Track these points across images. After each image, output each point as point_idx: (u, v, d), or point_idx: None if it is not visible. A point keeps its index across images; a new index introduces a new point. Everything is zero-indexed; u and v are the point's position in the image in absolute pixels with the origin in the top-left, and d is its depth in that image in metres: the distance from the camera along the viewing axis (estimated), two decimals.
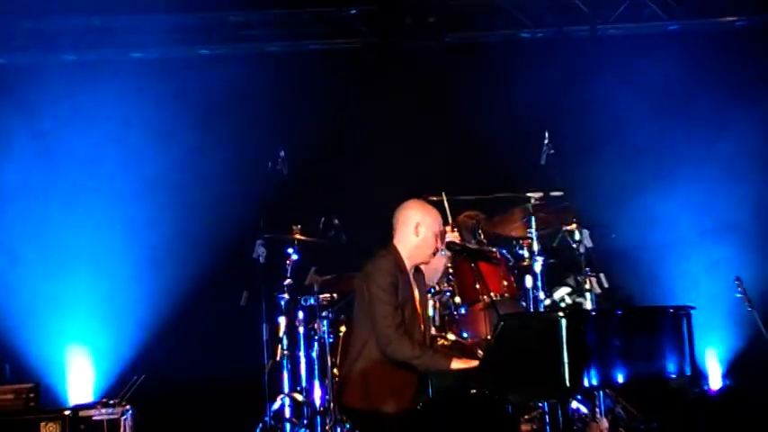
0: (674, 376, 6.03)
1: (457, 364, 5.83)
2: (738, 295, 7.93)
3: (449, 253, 6.45)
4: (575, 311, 6.33)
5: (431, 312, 7.05)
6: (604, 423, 7.08)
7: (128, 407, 7.70)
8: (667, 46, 9.42)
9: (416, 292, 6.09)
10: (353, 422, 6.27)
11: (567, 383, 5.66)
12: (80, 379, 8.87)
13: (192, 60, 9.49)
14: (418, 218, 6.06)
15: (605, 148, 8.97)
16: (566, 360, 5.66)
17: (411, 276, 6.09)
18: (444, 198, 7.27)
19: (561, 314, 5.88)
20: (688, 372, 6.09)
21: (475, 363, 5.87)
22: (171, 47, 9.46)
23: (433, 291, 7.15)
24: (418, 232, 6.04)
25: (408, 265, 6.08)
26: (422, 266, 6.23)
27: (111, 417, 7.51)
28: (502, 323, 5.94)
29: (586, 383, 5.73)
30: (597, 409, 7.19)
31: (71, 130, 9.00)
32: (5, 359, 7.60)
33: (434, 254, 6.14)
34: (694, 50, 9.27)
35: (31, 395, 6.71)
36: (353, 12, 9.52)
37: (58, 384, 8.68)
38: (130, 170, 9.10)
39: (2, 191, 8.87)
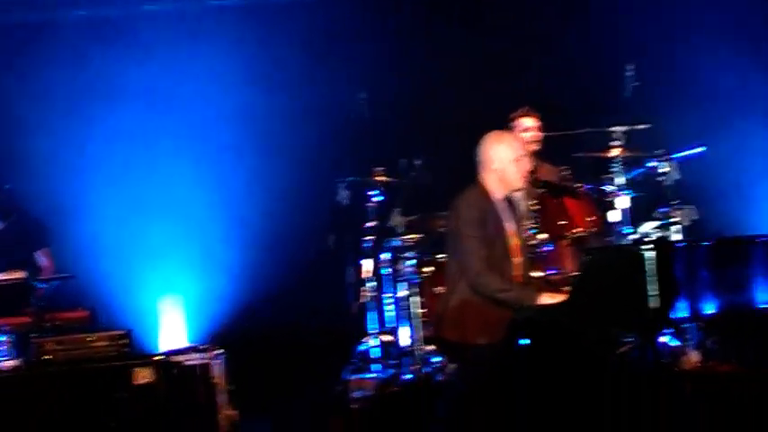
0: (765, 306, 5.94)
1: (545, 299, 5.85)
2: None
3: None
4: (660, 244, 6.24)
5: None
6: (696, 356, 6.99)
7: (219, 351, 7.80)
8: None
9: (509, 225, 6.11)
10: (450, 355, 6.32)
11: (655, 316, 5.65)
12: (172, 326, 9.05)
13: (274, 4, 9.50)
14: (491, 152, 6.13)
15: (694, 77, 8.77)
16: (652, 293, 5.63)
17: (503, 209, 6.11)
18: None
19: (646, 247, 5.85)
20: None
21: (563, 297, 5.87)
22: None
23: None
24: (495, 165, 6.09)
25: (498, 197, 6.10)
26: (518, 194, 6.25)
27: (203, 361, 7.58)
28: (587, 258, 5.93)
29: (675, 316, 5.70)
30: (688, 343, 7.10)
31: (166, 80, 9.09)
32: (98, 307, 7.77)
33: (521, 178, 6.14)
34: None
35: (124, 341, 6.84)
36: None
37: (150, 332, 8.86)
38: (218, 118, 9.18)
39: (101, 137, 9.00)
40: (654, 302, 5.63)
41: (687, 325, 6.96)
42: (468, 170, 6.43)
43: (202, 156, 9.17)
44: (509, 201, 6.22)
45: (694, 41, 8.85)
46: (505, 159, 6.12)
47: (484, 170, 6.17)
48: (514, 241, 6.18)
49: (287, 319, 8.74)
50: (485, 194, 6.09)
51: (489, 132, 6.30)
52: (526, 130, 7.54)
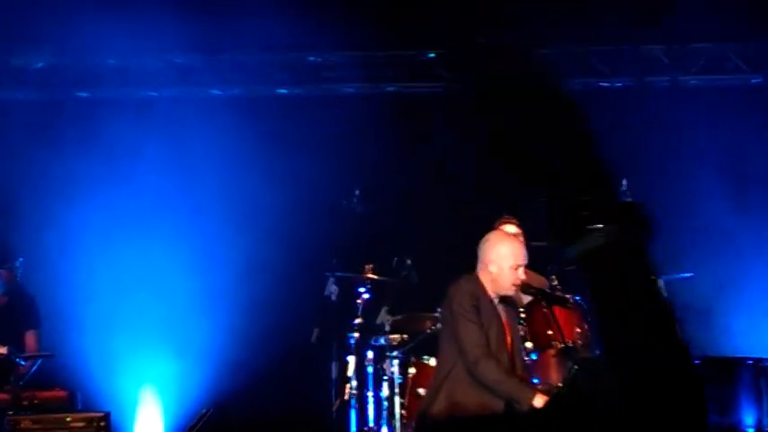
0: (752, 429, 5.94)
1: (540, 401, 5.83)
2: None
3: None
4: None
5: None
6: None
7: None
8: (749, 100, 9.34)
9: (504, 318, 6.13)
10: None
11: None
12: (149, 413, 8.95)
13: (271, 99, 9.64)
14: (492, 253, 6.16)
15: (683, 197, 8.89)
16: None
17: (496, 303, 6.13)
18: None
19: None
20: (767, 425, 6.00)
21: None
22: (250, 86, 9.63)
23: None
24: (492, 269, 6.12)
25: (491, 293, 6.13)
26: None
27: None
28: (575, 368, 5.92)
29: None
30: None
31: (146, 163, 9.14)
32: (77, 388, 7.70)
33: (516, 286, 6.17)
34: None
35: (102, 424, 6.79)
36: (431, 55, 9.61)
37: (127, 417, 8.77)
38: (204, 206, 9.22)
39: (78, 224, 9.03)
40: None
41: None
42: (458, 272, 6.46)
43: (190, 244, 9.18)
44: (505, 301, 6.26)
45: (687, 168, 9.00)
46: (504, 264, 6.15)
47: (481, 266, 6.22)
48: (508, 337, 6.19)
49: (267, 411, 8.65)
50: (478, 285, 6.13)
51: (493, 232, 6.35)
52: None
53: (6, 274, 8.01)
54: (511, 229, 7.53)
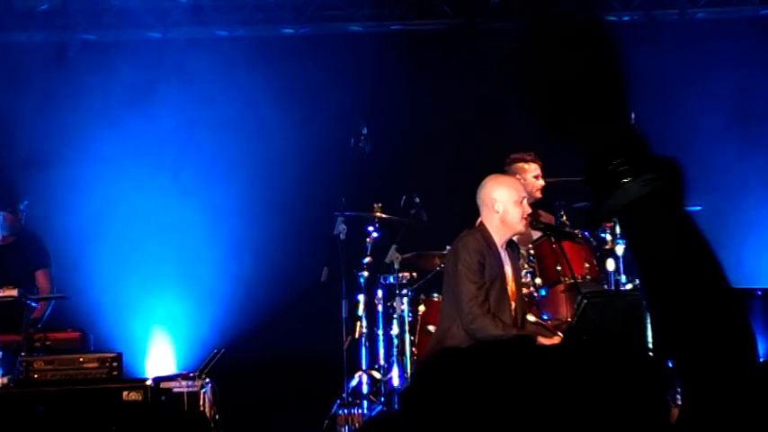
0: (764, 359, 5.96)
1: (542, 343, 5.86)
2: None
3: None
4: None
5: None
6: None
7: (207, 380, 7.79)
8: (758, 32, 9.27)
9: (508, 270, 6.13)
10: None
11: (653, 361, 5.66)
12: (160, 354, 9.02)
13: (278, 39, 9.59)
14: (494, 194, 6.14)
15: (689, 132, 8.86)
16: (650, 339, 5.66)
17: (502, 253, 6.12)
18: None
19: None
20: None
21: (558, 341, 5.89)
22: (255, 26, 9.58)
23: None
24: (497, 208, 6.10)
25: (499, 240, 6.12)
26: (515, 238, 6.27)
27: (191, 389, 7.58)
28: (585, 301, 5.96)
29: (671, 363, 5.71)
30: (677, 396, 7.11)
31: (155, 107, 9.13)
32: (89, 329, 7.76)
33: (525, 221, 6.17)
34: None
35: (114, 364, 6.83)
36: None
37: (138, 357, 8.84)
38: (214, 147, 9.21)
39: (88, 165, 9.03)
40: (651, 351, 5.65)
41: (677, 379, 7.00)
42: (466, 209, 6.46)
43: (200, 185, 9.18)
44: (508, 244, 6.25)
45: (693, 101, 8.95)
46: (507, 202, 6.14)
47: (485, 212, 6.18)
48: (511, 286, 6.19)
49: (277, 351, 8.71)
50: (485, 238, 6.10)
51: (490, 174, 6.33)
52: (534, 176, 7.56)
53: (11, 217, 8.02)
54: (534, 166, 7.53)
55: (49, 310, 7.87)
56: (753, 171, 8.91)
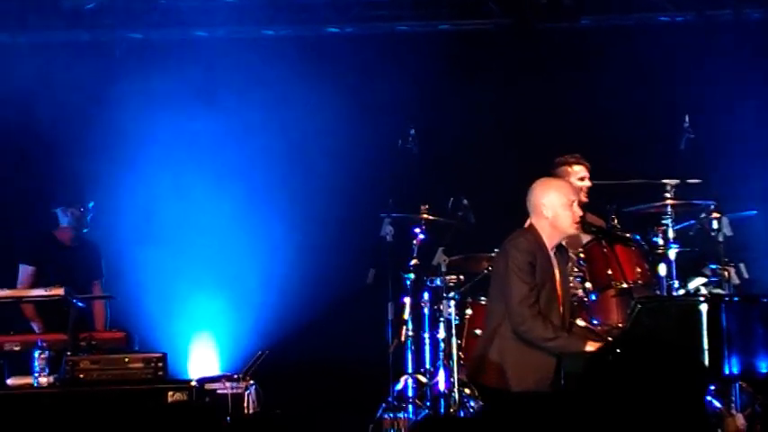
0: None
1: (592, 347, 5.82)
2: None
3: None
4: (716, 296, 6.22)
5: None
6: (741, 419, 6.93)
7: (251, 382, 7.83)
8: None
9: (557, 273, 6.10)
10: (489, 401, 6.29)
11: (706, 372, 5.62)
12: (203, 355, 9.07)
13: (323, 39, 9.62)
14: (543, 198, 6.12)
15: (747, 134, 8.78)
16: (705, 346, 5.62)
17: (552, 255, 6.10)
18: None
19: (702, 298, 5.87)
20: None
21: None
22: (301, 25, 9.60)
23: None
24: (546, 214, 6.08)
25: (549, 243, 6.09)
26: (564, 242, 6.24)
27: (236, 391, 7.62)
28: (639, 306, 5.91)
29: (726, 371, 5.67)
30: (732, 405, 7.05)
31: (201, 108, 9.18)
32: (134, 330, 7.82)
33: (577, 224, 6.14)
34: None
35: (160, 364, 6.87)
36: None
37: (182, 359, 8.89)
38: (260, 149, 9.24)
39: (137, 166, 9.10)
40: (705, 358, 5.61)
41: (733, 386, 6.93)
42: (515, 212, 6.44)
43: (247, 188, 9.24)
44: (558, 248, 6.22)
45: (751, 101, 8.87)
46: (557, 205, 6.10)
47: (535, 216, 6.16)
48: (560, 290, 6.17)
49: (322, 354, 8.74)
50: (536, 240, 6.07)
51: (540, 178, 6.31)
52: (579, 178, 7.53)
53: (78, 214, 8.14)
54: (578, 168, 7.49)
55: (108, 317, 7.99)
56: None
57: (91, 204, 8.24)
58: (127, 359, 6.83)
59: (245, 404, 7.62)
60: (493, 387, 5.96)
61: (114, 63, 9.36)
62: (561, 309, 6.09)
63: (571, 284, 6.99)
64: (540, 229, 6.11)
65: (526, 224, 6.25)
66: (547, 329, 5.88)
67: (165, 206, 9.13)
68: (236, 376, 7.75)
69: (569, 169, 7.56)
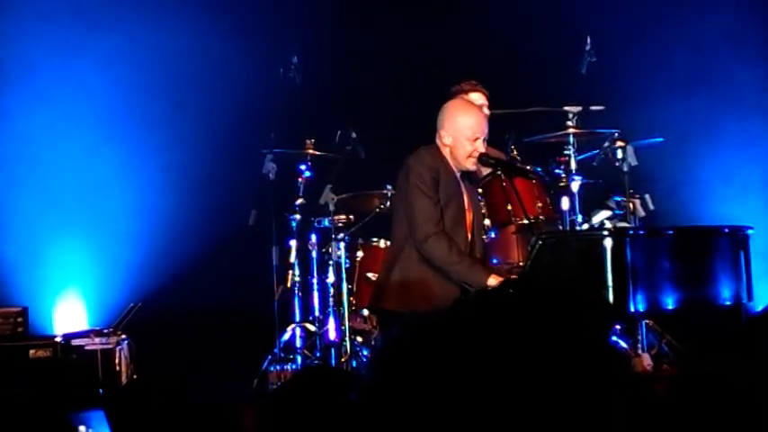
0: (728, 303, 5.90)
1: (495, 281, 5.74)
2: None
3: None
4: (620, 230, 6.15)
5: None
6: (647, 359, 6.91)
7: (123, 336, 7.65)
8: None
9: (465, 197, 6.02)
10: (390, 325, 6.17)
11: (612, 309, 5.59)
12: (70, 307, 8.75)
13: None
14: (448, 122, 6.02)
15: (651, 58, 8.72)
16: (610, 283, 5.57)
17: (459, 178, 6.01)
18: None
19: (605, 233, 5.83)
20: (745, 299, 5.95)
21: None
22: None
23: None
24: (447, 138, 6.00)
25: (454, 168, 6.01)
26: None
27: (106, 346, 7.47)
28: (539, 242, 5.84)
29: (632, 308, 5.65)
30: (639, 345, 7.03)
31: (75, 57, 8.79)
32: None
33: (471, 159, 6.02)
34: None
35: (19, 320, 6.62)
36: None
37: (46, 313, 8.56)
38: (131, 88, 8.89)
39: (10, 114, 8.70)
40: (610, 295, 5.57)
41: (639, 325, 6.91)
42: (408, 145, 6.30)
43: (112, 129, 8.90)
44: (467, 176, 6.15)
45: (655, 26, 8.81)
46: (460, 135, 6.00)
47: (438, 136, 6.08)
48: (469, 215, 6.07)
49: (202, 303, 8.51)
50: (441, 157, 5.99)
51: (454, 99, 6.18)
52: (477, 107, 7.35)
53: None
54: (475, 96, 7.31)
55: None
56: (719, 96, 8.78)
57: None
58: None
59: (117, 360, 7.44)
60: (394, 310, 5.86)
61: None
62: (469, 235, 6.00)
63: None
64: (442, 149, 6.03)
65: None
66: (451, 252, 5.81)
67: (24, 146, 8.72)
68: (105, 331, 7.58)
69: (465, 98, 7.38)
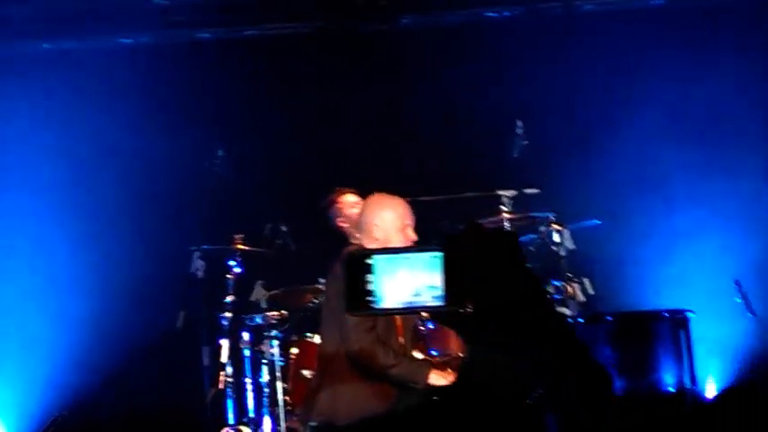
0: (671, 389, 6.07)
1: (436, 379, 5.86)
2: (738, 300, 7.96)
3: None
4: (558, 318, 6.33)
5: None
6: None
7: None
8: (650, 23, 9.47)
9: None
10: None
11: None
12: None
13: (114, 50, 9.41)
14: (375, 217, 6.13)
15: (585, 137, 8.99)
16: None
17: None
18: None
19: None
20: (688, 384, 6.14)
21: (452, 379, 5.90)
22: (87, 36, 9.37)
23: None
24: (378, 233, 6.10)
25: None
26: None
27: None
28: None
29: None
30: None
31: None
32: None
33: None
34: (681, 28, 9.32)
35: None
36: None
37: None
38: (46, 177, 8.99)
39: None
40: None
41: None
42: (339, 237, 6.43)
43: (27, 219, 8.95)
44: None
45: (587, 101, 9.08)
46: (390, 228, 6.13)
47: (365, 235, 6.18)
48: (399, 318, 6.19)
49: (130, 411, 8.53)
50: None
51: (371, 196, 6.33)
52: (353, 205, 7.54)
53: None
54: (351, 198, 7.52)
55: None
56: (659, 179, 9.05)
57: None
58: None
59: None
60: (319, 422, 5.94)
61: None
62: (401, 338, 6.11)
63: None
64: (372, 245, 6.12)
65: (354, 241, 6.28)
66: (388, 356, 5.91)
67: None
68: None
69: (348, 198, 7.62)
